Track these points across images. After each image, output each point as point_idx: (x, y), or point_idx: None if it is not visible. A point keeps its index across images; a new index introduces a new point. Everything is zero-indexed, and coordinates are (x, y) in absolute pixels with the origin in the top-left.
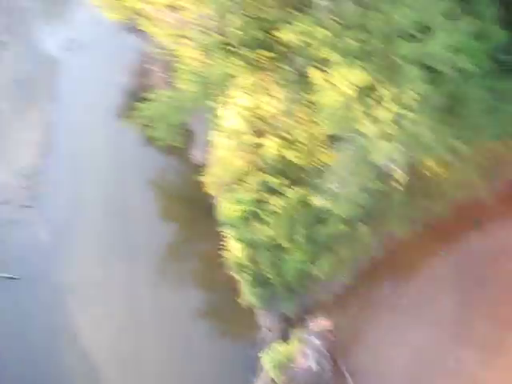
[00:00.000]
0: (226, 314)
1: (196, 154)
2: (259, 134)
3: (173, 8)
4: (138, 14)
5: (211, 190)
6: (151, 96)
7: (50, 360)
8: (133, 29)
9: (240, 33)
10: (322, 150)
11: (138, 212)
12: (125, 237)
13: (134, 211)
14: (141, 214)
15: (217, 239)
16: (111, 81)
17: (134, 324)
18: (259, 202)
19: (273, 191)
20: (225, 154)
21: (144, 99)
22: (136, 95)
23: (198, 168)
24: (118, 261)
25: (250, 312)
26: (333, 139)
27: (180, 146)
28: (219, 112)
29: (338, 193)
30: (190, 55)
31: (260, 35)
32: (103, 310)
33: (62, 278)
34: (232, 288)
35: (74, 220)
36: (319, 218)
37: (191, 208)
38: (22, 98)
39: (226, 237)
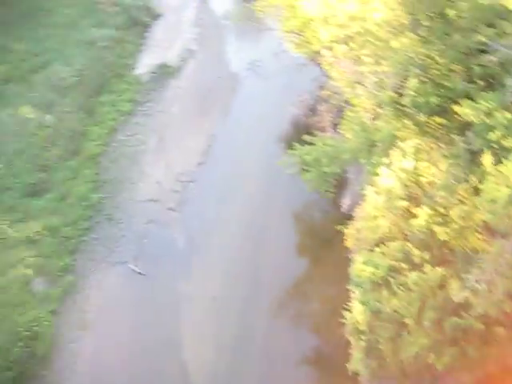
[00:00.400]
0: (328, 371)
1: (345, 203)
2: (412, 200)
3: (351, 57)
4: (320, 54)
5: (351, 243)
6: (313, 139)
7: (149, 359)
8: (315, 65)
9: (416, 95)
10: (476, 236)
11: (273, 240)
12: (254, 261)
13: (270, 239)
14: (276, 243)
15: (344, 294)
16: (282, 109)
17: (238, 348)
18: (394, 271)
19: (411, 263)
20: (373, 212)
21: (305, 140)
22: (301, 130)
23: (344, 217)
24: (242, 283)
25: (353, 379)
26: (490, 229)
27: (331, 191)
28: (378, 169)
29: (480, 288)
30: (361, 106)
31: (436, 101)
32: (213, 327)
33: (183, 285)
34: (344, 348)
35: (210, 233)
36: (454, 306)
37: (328, 253)
38: (195, 106)
39: (352, 295)
